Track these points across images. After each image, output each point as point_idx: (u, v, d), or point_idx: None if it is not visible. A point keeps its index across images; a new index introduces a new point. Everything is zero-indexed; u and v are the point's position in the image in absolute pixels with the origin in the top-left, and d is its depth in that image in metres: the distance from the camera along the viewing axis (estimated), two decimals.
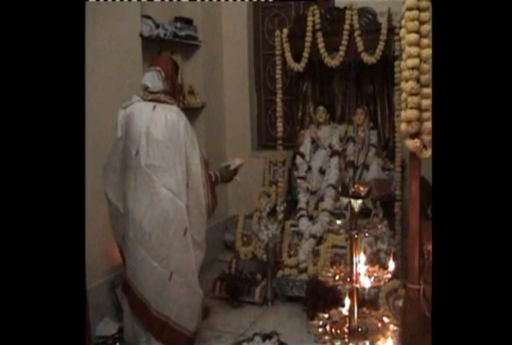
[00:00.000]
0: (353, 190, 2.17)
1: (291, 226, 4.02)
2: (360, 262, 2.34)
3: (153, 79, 2.89)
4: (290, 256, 3.93)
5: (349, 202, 2.16)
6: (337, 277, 2.39)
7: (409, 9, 2.16)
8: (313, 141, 4.30)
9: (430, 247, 2.53)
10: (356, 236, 2.21)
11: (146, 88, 2.91)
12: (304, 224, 3.96)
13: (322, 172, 4.21)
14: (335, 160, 4.18)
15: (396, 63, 3.70)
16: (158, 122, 2.79)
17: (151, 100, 2.88)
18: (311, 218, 4.03)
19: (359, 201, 2.15)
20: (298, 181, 4.24)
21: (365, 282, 2.40)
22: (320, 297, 3.43)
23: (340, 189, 3.74)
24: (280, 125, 4.25)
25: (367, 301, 3.24)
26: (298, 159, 4.31)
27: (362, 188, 2.18)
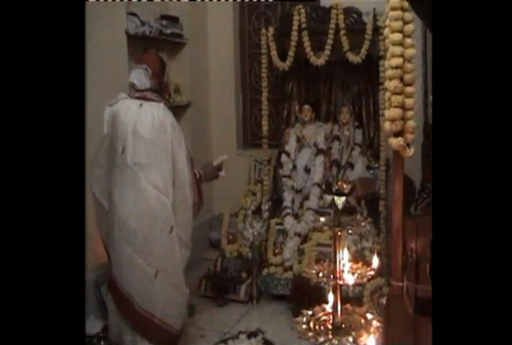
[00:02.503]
0: (336, 187, 2.19)
1: (276, 224, 4.03)
2: (344, 259, 2.36)
3: (140, 77, 2.88)
4: (275, 254, 3.94)
5: (333, 199, 2.19)
6: (321, 274, 2.41)
7: (393, 9, 2.19)
8: (298, 140, 4.32)
9: (413, 245, 2.56)
10: (339, 232, 2.23)
11: (133, 86, 2.90)
12: (289, 223, 3.97)
13: (307, 170, 4.23)
14: (320, 159, 4.19)
15: (381, 63, 3.73)
16: (145, 120, 2.79)
17: (138, 98, 2.87)
18: (296, 216, 4.03)
19: (343, 198, 2.17)
20: (283, 180, 4.25)
21: (349, 279, 2.42)
22: (305, 296, 3.45)
23: (324, 187, 3.78)
24: (265, 123, 4.26)
25: (351, 299, 3.26)
26: (284, 158, 4.31)
27: (345, 185, 2.20)
